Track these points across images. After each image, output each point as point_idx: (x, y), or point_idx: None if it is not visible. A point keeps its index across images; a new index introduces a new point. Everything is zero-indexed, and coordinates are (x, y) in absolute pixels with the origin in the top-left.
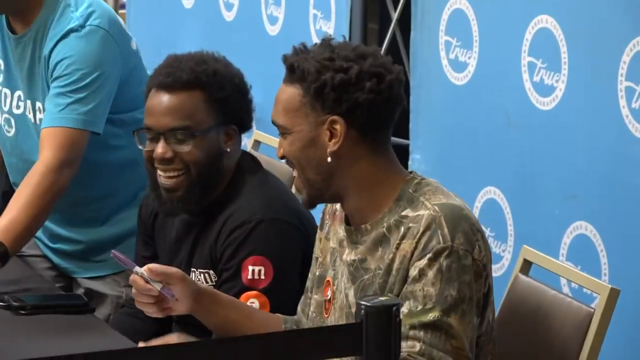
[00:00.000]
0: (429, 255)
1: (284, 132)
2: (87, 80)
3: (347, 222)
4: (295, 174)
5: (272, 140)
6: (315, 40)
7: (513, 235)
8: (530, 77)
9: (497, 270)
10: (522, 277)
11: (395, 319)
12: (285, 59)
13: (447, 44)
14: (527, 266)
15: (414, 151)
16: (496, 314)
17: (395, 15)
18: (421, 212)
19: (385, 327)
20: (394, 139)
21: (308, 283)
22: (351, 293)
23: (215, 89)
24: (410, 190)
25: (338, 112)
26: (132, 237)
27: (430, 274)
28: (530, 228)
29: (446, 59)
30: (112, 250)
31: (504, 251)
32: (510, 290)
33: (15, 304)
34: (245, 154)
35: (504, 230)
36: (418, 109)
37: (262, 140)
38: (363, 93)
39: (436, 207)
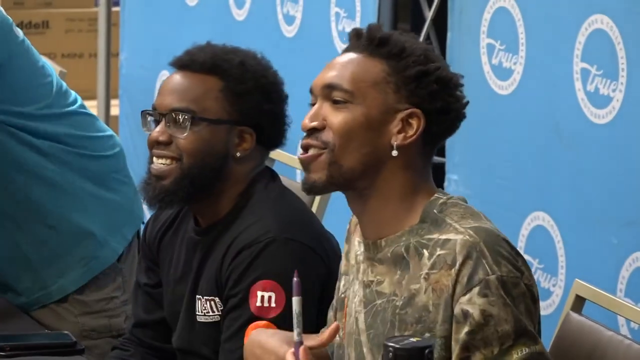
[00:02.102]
0: (479, 289)
1: (345, 99)
2: None
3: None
4: (311, 151)
5: (286, 157)
6: (339, 44)
7: (565, 267)
8: (584, 86)
9: (546, 308)
10: (575, 315)
11: None
12: (370, 29)
13: (490, 47)
14: (580, 303)
15: (450, 170)
16: None
17: (429, 14)
18: (451, 236)
19: None
20: None
21: (330, 312)
22: (361, 317)
23: (236, 80)
24: (435, 211)
25: (424, 107)
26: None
27: (496, 311)
28: (584, 259)
29: (488, 64)
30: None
31: (554, 286)
32: (561, 330)
33: None
34: (266, 168)
35: (554, 262)
36: None
37: (276, 158)
38: (457, 101)
39: (470, 231)
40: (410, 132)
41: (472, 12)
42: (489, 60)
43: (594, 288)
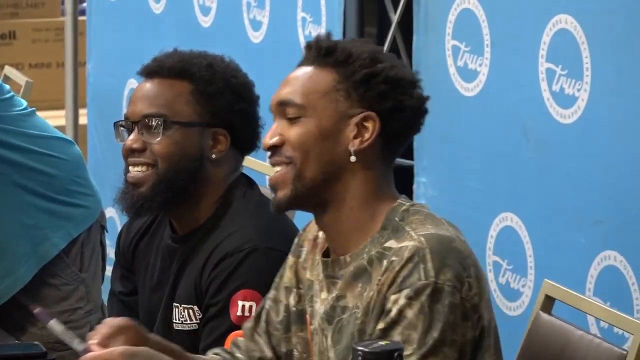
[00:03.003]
0: (407, 292)
1: (296, 115)
2: None
3: (325, 253)
4: (278, 169)
5: (259, 164)
6: None
7: (533, 267)
8: (549, 86)
9: (515, 309)
10: (544, 315)
11: None
12: (317, 40)
13: (455, 49)
14: (549, 303)
15: (419, 173)
16: (515, 358)
17: (395, 17)
18: (406, 243)
19: None
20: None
21: (263, 313)
22: (329, 334)
23: (205, 82)
24: (396, 219)
25: (377, 108)
26: None
27: (411, 314)
28: (553, 259)
29: (454, 66)
30: (37, 310)
31: (523, 286)
32: (531, 331)
33: None
34: (242, 175)
35: (522, 262)
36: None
37: (247, 165)
38: (411, 98)
39: (422, 238)
40: (367, 135)
41: (437, 14)
42: (455, 62)
43: (563, 288)
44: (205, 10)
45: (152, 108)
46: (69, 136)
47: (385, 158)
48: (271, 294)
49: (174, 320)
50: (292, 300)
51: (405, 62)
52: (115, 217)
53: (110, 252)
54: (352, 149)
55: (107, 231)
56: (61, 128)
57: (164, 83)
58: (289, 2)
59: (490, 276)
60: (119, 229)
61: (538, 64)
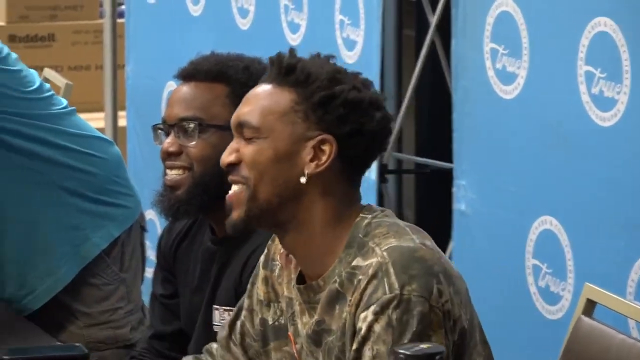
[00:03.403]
0: (373, 308)
1: (253, 136)
2: None
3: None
4: (235, 188)
5: None
6: (344, 52)
7: (573, 271)
8: (588, 89)
9: (555, 312)
10: (585, 319)
11: None
12: (278, 58)
13: (494, 52)
14: (590, 307)
15: (458, 176)
16: None
17: (433, 20)
18: (370, 260)
19: None
20: (436, 163)
21: (238, 323)
22: (320, 356)
23: (242, 85)
24: (360, 235)
25: (335, 132)
26: None
27: (379, 329)
28: (594, 263)
29: (492, 69)
30: None
31: (563, 290)
32: (572, 335)
33: (5, 357)
34: None
35: (562, 266)
36: (462, 128)
37: None
38: (371, 121)
39: (384, 253)
40: (323, 159)
41: (475, 17)
42: (493, 64)
43: (604, 291)
44: (244, 13)
45: (188, 111)
46: None
47: (347, 179)
48: (245, 303)
49: (214, 323)
50: (270, 315)
51: (444, 65)
52: (155, 220)
53: (151, 255)
54: (306, 171)
55: (147, 232)
56: (100, 130)
57: (201, 86)
58: (327, 4)
59: (529, 279)
60: (159, 231)
61: (577, 66)
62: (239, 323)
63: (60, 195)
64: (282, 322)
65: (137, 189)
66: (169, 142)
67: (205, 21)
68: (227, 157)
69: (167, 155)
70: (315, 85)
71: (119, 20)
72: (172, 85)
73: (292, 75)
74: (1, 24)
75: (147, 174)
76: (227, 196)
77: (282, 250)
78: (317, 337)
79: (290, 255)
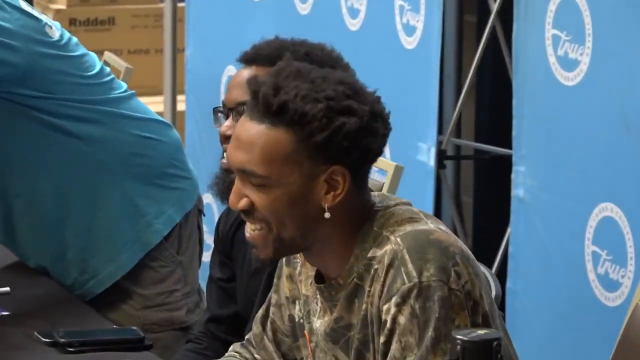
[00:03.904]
0: (395, 299)
1: (262, 183)
2: None
3: (316, 274)
4: (256, 229)
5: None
6: (403, 37)
7: (634, 258)
8: None
9: (615, 299)
10: None
11: (496, 355)
12: (264, 96)
13: (555, 38)
14: None
15: (517, 162)
16: (614, 348)
17: (495, 6)
18: (385, 248)
19: None
20: (495, 149)
21: (268, 321)
22: (339, 353)
23: None
24: (375, 228)
25: (344, 162)
26: None
27: (403, 320)
28: None
29: (554, 55)
30: None
31: (623, 277)
32: (630, 322)
33: (62, 340)
34: None
35: (622, 253)
36: (522, 114)
37: None
38: (375, 139)
39: (398, 240)
40: (339, 190)
41: (538, 3)
42: (555, 51)
43: None
44: None
45: (246, 95)
46: None
47: (359, 190)
48: (273, 299)
49: None
50: (296, 312)
51: (505, 52)
52: (212, 204)
53: (208, 239)
54: (325, 205)
55: (204, 215)
56: (159, 114)
57: (261, 70)
58: None
59: (589, 266)
60: (216, 215)
61: None
62: (269, 319)
63: (122, 180)
64: (298, 320)
65: (195, 173)
66: (227, 125)
67: (265, 5)
68: (237, 203)
69: (224, 139)
70: (313, 125)
71: (179, 4)
72: (231, 69)
73: (286, 116)
74: (61, 7)
75: (206, 158)
76: (249, 236)
77: None
78: (335, 334)
79: None
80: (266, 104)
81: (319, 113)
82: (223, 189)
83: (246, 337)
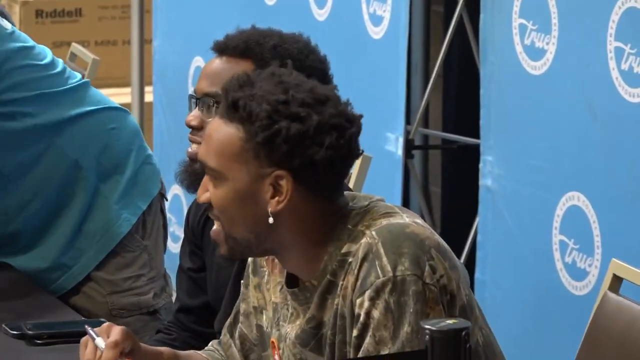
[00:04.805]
0: (369, 293)
1: (215, 176)
2: None
3: (287, 279)
4: (215, 224)
5: None
6: (370, 27)
7: (600, 247)
8: (618, 65)
9: (582, 288)
10: (612, 295)
11: (465, 344)
12: (226, 90)
13: (522, 27)
14: (617, 283)
15: (485, 152)
16: (582, 337)
17: None
18: (361, 241)
19: (453, 355)
20: (463, 139)
21: (236, 329)
22: (308, 356)
23: (267, 64)
24: (349, 226)
25: (287, 167)
26: None
27: (377, 314)
28: (621, 239)
29: (521, 44)
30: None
31: (590, 266)
32: (598, 311)
33: (29, 332)
34: None
35: (589, 242)
36: (489, 104)
37: None
38: (320, 149)
39: (373, 233)
40: (282, 196)
41: None
42: (522, 40)
43: (631, 268)
44: None
45: (211, 87)
46: (134, 115)
47: (318, 199)
48: (242, 307)
49: None
50: (264, 321)
51: (472, 41)
52: (180, 195)
53: (178, 229)
54: (269, 210)
55: (167, 199)
56: (127, 106)
57: (229, 62)
58: None
59: (556, 255)
60: (185, 205)
61: (607, 42)
62: (237, 328)
63: (90, 173)
64: (264, 330)
65: (163, 164)
66: (192, 115)
67: None
68: (201, 197)
69: (190, 128)
70: (256, 124)
71: None
72: (199, 60)
73: (237, 112)
74: None
75: (173, 149)
76: (211, 231)
77: (266, 257)
78: (305, 336)
79: (276, 261)
80: (225, 99)
81: (262, 113)
82: (187, 178)
83: (213, 342)
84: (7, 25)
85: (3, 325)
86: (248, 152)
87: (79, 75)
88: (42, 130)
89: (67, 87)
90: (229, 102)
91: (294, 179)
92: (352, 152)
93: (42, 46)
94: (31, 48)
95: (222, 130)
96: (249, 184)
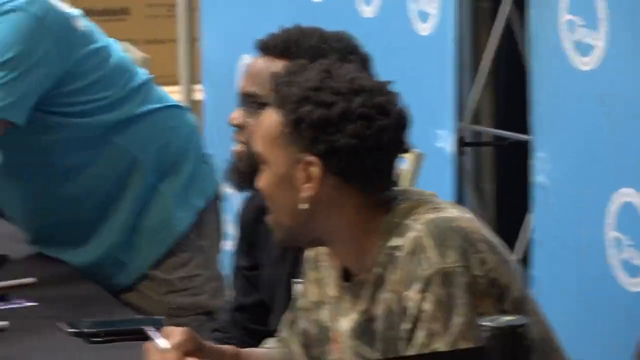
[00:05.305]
0: (418, 286)
1: (261, 161)
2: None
3: (343, 273)
4: (270, 212)
5: None
6: (418, 24)
7: None
8: None
9: (637, 285)
10: None
11: (523, 340)
12: (274, 76)
13: (570, 23)
14: None
15: (537, 148)
16: None
17: None
18: (408, 235)
19: (511, 351)
20: (514, 135)
21: (295, 325)
22: (365, 350)
23: None
24: (396, 220)
25: (315, 152)
26: None
27: (428, 307)
28: None
29: (569, 40)
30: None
31: None
32: None
33: (87, 330)
34: None
35: None
36: (539, 99)
37: None
38: (342, 136)
39: (420, 226)
40: (313, 182)
41: None
42: (570, 36)
43: None
44: None
45: (251, 87)
46: None
47: (351, 187)
48: (301, 303)
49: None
50: (323, 315)
51: (520, 37)
52: (231, 193)
53: (231, 228)
54: (303, 195)
55: (224, 200)
56: None
57: (269, 61)
58: None
59: (611, 252)
60: (237, 203)
61: None
62: (297, 324)
63: (148, 172)
64: (324, 324)
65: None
66: (235, 114)
67: None
68: (257, 183)
69: (233, 127)
70: (287, 108)
71: None
72: (247, 58)
73: (277, 97)
74: None
75: (223, 147)
76: (268, 218)
77: (323, 250)
78: (359, 330)
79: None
80: (271, 86)
81: (292, 97)
82: (234, 176)
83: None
84: (80, 25)
85: (61, 323)
86: (286, 137)
87: (144, 72)
88: (107, 127)
89: (134, 85)
90: (273, 88)
91: (323, 166)
92: (383, 144)
93: (111, 41)
94: (102, 48)
95: (267, 114)
96: (286, 169)
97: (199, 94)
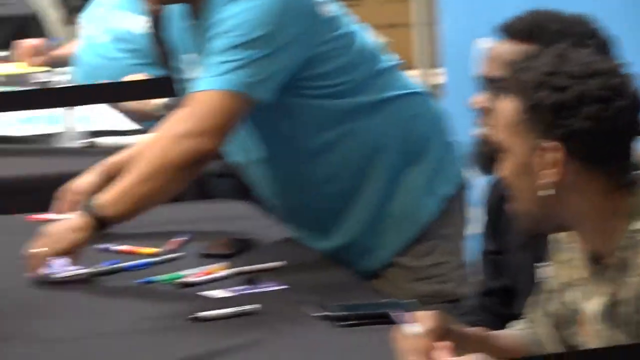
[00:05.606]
0: None
1: (502, 150)
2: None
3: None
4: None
5: None
6: None
7: None
8: None
9: None
10: None
11: None
12: (511, 64)
13: None
14: None
15: None
16: None
17: None
18: None
19: None
20: None
21: (549, 286)
22: (615, 334)
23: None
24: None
25: (554, 137)
26: None
27: None
28: None
29: None
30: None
31: None
32: None
33: (334, 313)
34: None
35: None
36: None
37: None
38: (577, 120)
39: None
40: (556, 166)
41: None
42: None
43: None
44: None
45: (496, 70)
46: None
47: (594, 171)
48: (549, 284)
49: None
50: (570, 297)
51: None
52: (476, 177)
53: (476, 213)
54: (548, 180)
55: (468, 187)
56: None
57: (513, 45)
58: None
59: None
60: (480, 188)
61: None
62: (546, 305)
63: (395, 160)
64: (571, 306)
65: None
66: (479, 98)
67: None
68: (499, 172)
69: (476, 110)
70: (523, 95)
71: None
72: (484, 41)
73: (514, 83)
74: None
75: (464, 132)
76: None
77: (571, 233)
78: (606, 313)
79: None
80: (508, 72)
81: (528, 83)
82: (479, 160)
83: (527, 317)
84: (326, 10)
85: (307, 306)
86: (525, 123)
87: (389, 58)
88: (345, 112)
89: (377, 71)
90: (511, 73)
91: (563, 151)
92: (620, 127)
93: (358, 27)
94: (346, 34)
95: (504, 101)
96: (526, 157)
97: (435, 78)
